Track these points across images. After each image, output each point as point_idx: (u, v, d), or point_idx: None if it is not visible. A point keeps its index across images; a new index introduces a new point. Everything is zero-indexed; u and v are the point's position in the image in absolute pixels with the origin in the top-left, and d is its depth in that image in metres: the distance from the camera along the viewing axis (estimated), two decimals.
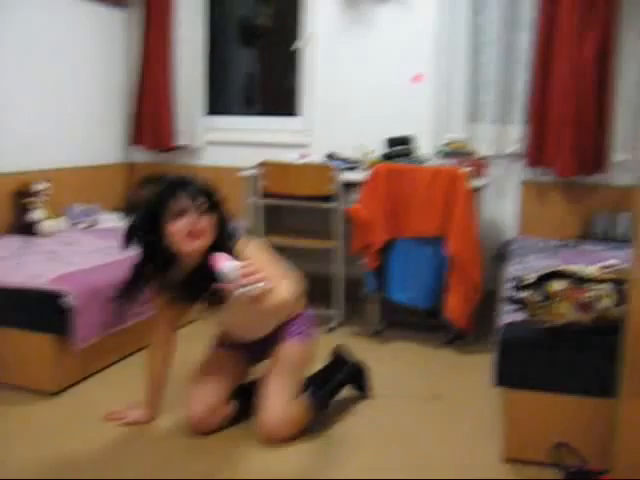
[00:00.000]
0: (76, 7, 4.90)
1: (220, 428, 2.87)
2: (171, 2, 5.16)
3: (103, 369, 3.53)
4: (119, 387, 3.33)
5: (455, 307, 3.85)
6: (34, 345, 3.20)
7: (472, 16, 4.57)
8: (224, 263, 2.24)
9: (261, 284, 2.20)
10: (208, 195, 2.56)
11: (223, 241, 2.54)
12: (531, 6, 4.42)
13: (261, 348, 3.00)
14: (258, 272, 2.23)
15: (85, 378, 3.40)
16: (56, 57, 4.75)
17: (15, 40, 4.37)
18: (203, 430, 2.83)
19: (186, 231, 2.48)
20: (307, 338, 2.96)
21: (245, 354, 3.04)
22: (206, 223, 2.52)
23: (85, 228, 4.59)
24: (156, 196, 2.54)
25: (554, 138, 4.33)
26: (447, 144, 4.45)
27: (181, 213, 2.48)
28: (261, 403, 2.80)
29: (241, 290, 2.20)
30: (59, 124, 4.81)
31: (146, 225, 2.55)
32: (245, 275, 2.20)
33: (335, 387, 3.09)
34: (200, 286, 2.54)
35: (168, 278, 2.64)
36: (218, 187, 2.63)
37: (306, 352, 2.95)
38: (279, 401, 2.78)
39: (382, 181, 3.93)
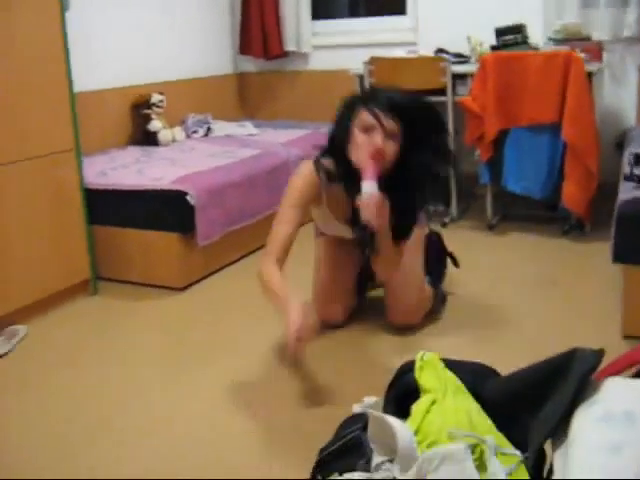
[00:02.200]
0: None
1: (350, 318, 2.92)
2: None
3: (226, 266, 3.69)
4: (241, 283, 3.47)
5: (572, 195, 3.78)
6: (160, 243, 3.39)
7: None
8: (368, 182, 2.25)
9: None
10: (409, 114, 2.35)
11: (408, 161, 2.39)
12: None
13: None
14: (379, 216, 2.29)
15: (209, 275, 3.57)
16: None
17: None
18: (336, 324, 2.85)
19: (369, 150, 2.30)
20: (423, 223, 2.89)
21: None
22: (391, 149, 2.34)
23: (200, 137, 4.73)
24: (354, 97, 2.46)
25: None
26: (559, 30, 4.28)
27: (369, 128, 2.33)
28: (396, 289, 2.78)
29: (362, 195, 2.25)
30: (170, 38, 4.93)
31: (340, 124, 2.45)
32: (370, 207, 2.25)
33: (440, 275, 3.11)
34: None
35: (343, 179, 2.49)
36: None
37: (423, 235, 2.93)
38: (414, 284, 2.79)
39: (492, 71, 3.84)
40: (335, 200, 2.57)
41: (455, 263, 3.19)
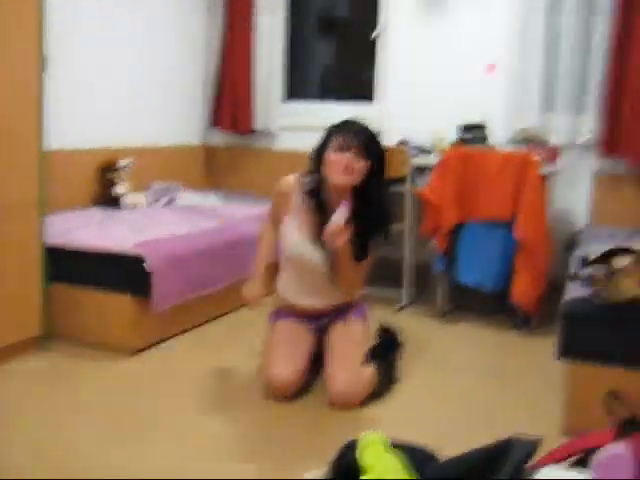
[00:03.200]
0: None
1: (299, 394, 2.96)
2: None
3: (181, 333, 3.71)
4: (195, 350, 3.50)
5: (522, 291, 3.89)
6: (115, 306, 3.40)
7: (548, 4, 4.56)
8: (341, 211, 2.73)
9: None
10: (373, 147, 2.86)
11: (368, 193, 2.87)
12: None
13: (323, 321, 3.12)
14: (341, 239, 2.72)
15: (163, 340, 3.58)
16: (142, 42, 4.98)
17: (98, 23, 4.58)
18: (286, 393, 2.90)
19: (342, 165, 2.77)
20: (367, 321, 3.19)
21: (310, 326, 3.14)
22: (361, 165, 2.80)
23: (164, 204, 4.78)
24: (331, 127, 2.90)
25: (628, 128, 4.31)
26: (519, 132, 4.49)
27: (342, 149, 2.79)
28: (332, 368, 2.91)
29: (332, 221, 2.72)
30: (142, 105, 5.03)
31: (319, 149, 2.90)
32: (334, 232, 2.71)
33: (391, 362, 3.19)
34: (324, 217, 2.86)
35: (314, 195, 2.94)
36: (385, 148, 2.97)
37: (368, 330, 3.16)
38: (351, 366, 2.90)
39: (453, 164, 4.00)
40: (304, 213, 2.96)
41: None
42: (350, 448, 1.76)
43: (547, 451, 1.51)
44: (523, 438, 1.47)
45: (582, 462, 1.63)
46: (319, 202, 2.92)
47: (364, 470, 1.67)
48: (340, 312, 3.12)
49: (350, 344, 3.02)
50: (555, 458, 1.51)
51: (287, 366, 2.90)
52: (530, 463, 1.46)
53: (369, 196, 2.87)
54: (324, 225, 2.78)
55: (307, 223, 2.95)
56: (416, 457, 1.74)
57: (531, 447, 1.43)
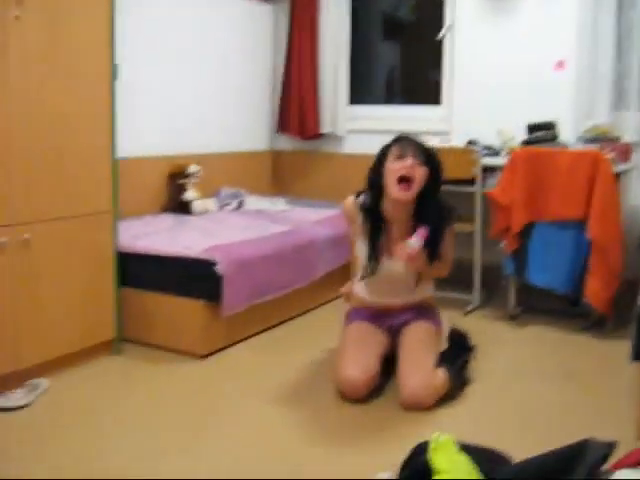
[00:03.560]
0: (226, 1, 5.20)
1: (370, 395, 2.95)
2: None
3: (249, 337, 3.74)
4: (261, 357, 3.53)
5: (595, 291, 3.81)
6: (185, 310, 3.46)
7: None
8: (415, 237, 2.85)
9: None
10: (430, 156, 2.91)
11: (426, 200, 2.93)
12: None
13: (397, 323, 3.15)
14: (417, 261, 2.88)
15: (232, 344, 3.62)
16: (208, 50, 5.06)
17: (169, 32, 4.68)
18: (358, 395, 2.89)
19: (400, 172, 2.82)
20: (440, 324, 3.23)
21: (383, 327, 3.16)
22: (420, 173, 2.84)
23: (233, 209, 4.85)
24: (385, 145, 2.97)
25: None
26: (590, 129, 4.39)
27: (400, 156, 2.84)
28: (404, 370, 2.91)
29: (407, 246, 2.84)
30: (211, 112, 5.12)
31: (376, 164, 2.97)
32: (411, 258, 2.84)
33: (463, 365, 3.15)
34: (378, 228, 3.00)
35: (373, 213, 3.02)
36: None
37: (440, 333, 3.19)
38: (423, 368, 2.89)
39: (521, 165, 3.94)
40: (368, 231, 3.04)
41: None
42: (421, 449, 1.76)
43: (623, 455, 1.47)
44: (599, 441, 1.44)
45: None
46: (379, 218, 3.02)
47: (436, 472, 1.66)
48: (413, 313, 3.15)
49: (423, 346, 3.02)
50: (631, 462, 1.48)
51: (358, 368, 2.89)
52: (605, 466, 1.43)
53: (427, 204, 2.94)
54: (387, 239, 2.98)
55: (372, 240, 3.04)
56: (487, 459, 1.72)
57: (607, 450, 1.40)
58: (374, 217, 3.01)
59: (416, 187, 2.86)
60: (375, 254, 3.02)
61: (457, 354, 3.18)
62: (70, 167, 3.14)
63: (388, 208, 2.98)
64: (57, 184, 3.08)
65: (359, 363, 2.91)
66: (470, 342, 3.34)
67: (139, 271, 3.58)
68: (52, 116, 3.03)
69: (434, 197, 2.96)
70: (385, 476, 1.86)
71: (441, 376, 2.92)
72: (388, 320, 3.16)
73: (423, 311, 3.19)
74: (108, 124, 3.32)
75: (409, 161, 2.83)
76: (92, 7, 3.19)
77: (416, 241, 2.85)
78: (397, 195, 2.87)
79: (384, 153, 2.94)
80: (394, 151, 2.88)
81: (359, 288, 3.18)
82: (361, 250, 3.08)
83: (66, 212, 3.13)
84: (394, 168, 2.85)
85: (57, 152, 3.07)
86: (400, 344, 3.08)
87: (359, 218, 3.06)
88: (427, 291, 3.24)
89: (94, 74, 3.24)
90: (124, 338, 3.54)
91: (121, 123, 3.52)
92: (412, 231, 2.91)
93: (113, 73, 3.34)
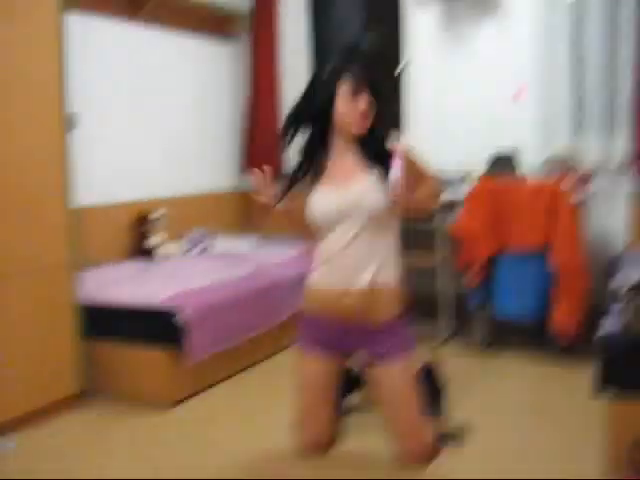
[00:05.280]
0: (187, 43, 5.20)
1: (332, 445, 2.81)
2: (276, 33, 5.41)
3: (217, 383, 3.70)
4: (229, 403, 3.49)
5: (561, 320, 3.81)
6: (151, 360, 3.42)
7: (572, 25, 4.50)
8: (397, 168, 2.35)
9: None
10: (378, 79, 2.59)
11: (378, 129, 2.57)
12: (634, 10, 4.31)
13: (356, 340, 2.71)
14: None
15: (200, 391, 3.58)
16: (169, 91, 5.04)
17: (129, 76, 4.67)
18: (317, 453, 2.74)
19: (361, 111, 2.48)
20: (410, 353, 2.74)
21: (337, 351, 2.76)
22: (371, 111, 2.52)
23: (198, 253, 4.81)
24: (328, 73, 2.56)
25: None
26: (551, 158, 4.42)
27: (355, 92, 2.49)
28: (402, 431, 2.69)
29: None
30: (175, 155, 5.09)
31: (313, 105, 2.59)
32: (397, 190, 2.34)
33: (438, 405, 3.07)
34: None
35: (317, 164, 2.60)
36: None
37: (413, 367, 2.79)
38: (419, 427, 2.69)
39: (484, 197, 3.96)
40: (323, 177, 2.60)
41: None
42: None
43: None
44: None
45: None
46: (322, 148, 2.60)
47: None
48: (380, 341, 2.69)
49: (408, 392, 2.70)
50: None
51: (314, 427, 2.72)
52: None
53: (376, 132, 2.58)
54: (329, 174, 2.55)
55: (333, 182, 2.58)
56: None
57: None
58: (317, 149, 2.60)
59: (369, 122, 2.55)
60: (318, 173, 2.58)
61: (432, 398, 3.03)
62: (19, 218, 3.10)
63: (339, 143, 2.58)
64: (6, 239, 3.04)
65: (314, 421, 2.71)
66: (441, 381, 3.21)
67: (103, 322, 3.55)
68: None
69: (381, 125, 2.61)
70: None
71: (429, 424, 2.81)
72: (347, 342, 2.71)
73: (393, 333, 2.69)
74: (60, 174, 3.29)
75: (364, 102, 2.50)
76: (44, 59, 3.21)
77: (396, 171, 2.38)
78: (361, 130, 2.53)
79: (332, 82, 2.54)
80: (346, 85, 2.51)
81: (314, 275, 2.68)
82: (319, 198, 2.57)
83: (17, 267, 3.09)
84: (356, 107, 2.49)
85: (4, 205, 3.04)
86: (384, 395, 2.73)
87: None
88: (389, 275, 2.63)
89: (46, 125, 3.23)
90: (91, 391, 3.49)
91: (82, 171, 3.50)
92: (356, 168, 2.55)
93: (67, 121, 3.33)
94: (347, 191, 2.51)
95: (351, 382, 3.07)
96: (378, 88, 2.59)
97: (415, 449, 2.68)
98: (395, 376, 2.68)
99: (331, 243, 2.55)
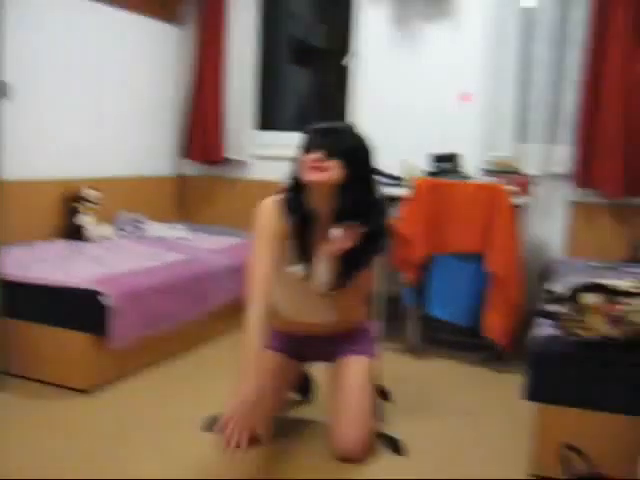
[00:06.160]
0: (131, 21, 5.06)
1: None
2: (224, 20, 5.29)
3: (142, 370, 3.58)
4: (153, 389, 3.39)
5: (494, 325, 3.81)
6: (72, 343, 3.28)
7: (521, 34, 4.53)
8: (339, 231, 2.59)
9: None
10: (341, 145, 2.64)
11: (355, 194, 2.64)
12: (581, 23, 4.37)
13: (318, 350, 2.97)
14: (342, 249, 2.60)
15: (120, 378, 3.45)
16: (110, 69, 4.89)
17: (68, 50, 4.51)
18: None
19: (309, 163, 2.58)
20: (373, 358, 2.96)
21: (301, 357, 3.00)
22: (332, 164, 2.58)
23: (131, 236, 4.68)
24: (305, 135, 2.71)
25: (603, 159, 4.25)
26: (492, 162, 4.42)
27: (309, 150, 2.61)
28: (342, 424, 2.72)
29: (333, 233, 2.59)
30: (112, 135, 4.95)
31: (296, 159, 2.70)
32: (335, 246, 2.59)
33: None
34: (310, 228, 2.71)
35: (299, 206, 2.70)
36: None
37: (374, 370, 2.94)
38: (363, 426, 2.73)
39: (423, 196, 3.92)
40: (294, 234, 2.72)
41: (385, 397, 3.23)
42: None
43: None
44: None
45: None
46: (305, 215, 2.70)
47: None
48: (346, 342, 2.94)
49: (364, 382, 2.83)
50: None
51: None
52: None
53: (350, 197, 2.63)
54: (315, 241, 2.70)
55: (299, 244, 2.72)
56: None
57: None
58: (302, 213, 2.70)
59: (333, 175, 2.60)
60: (307, 255, 2.71)
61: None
62: None
63: (313, 198, 2.68)
64: None
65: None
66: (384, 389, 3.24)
67: (26, 302, 3.38)
68: None
69: (355, 191, 2.64)
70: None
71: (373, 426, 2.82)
72: (313, 348, 2.96)
73: (358, 338, 2.97)
74: None
75: (312, 156, 2.60)
76: None
77: (339, 232, 2.57)
78: (308, 177, 2.60)
79: (302, 145, 2.69)
80: (305, 145, 2.66)
81: (281, 306, 2.86)
82: (289, 255, 2.72)
83: None
84: (303, 159, 2.62)
85: None
86: (338, 384, 2.84)
87: (283, 219, 2.69)
88: (355, 315, 2.98)
89: None
90: (9, 372, 3.34)
91: (11, 144, 3.34)
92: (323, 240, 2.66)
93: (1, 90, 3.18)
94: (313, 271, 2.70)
95: (304, 384, 3.23)
96: (348, 154, 2.64)
97: (357, 437, 2.70)
98: (355, 367, 2.87)
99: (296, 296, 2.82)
